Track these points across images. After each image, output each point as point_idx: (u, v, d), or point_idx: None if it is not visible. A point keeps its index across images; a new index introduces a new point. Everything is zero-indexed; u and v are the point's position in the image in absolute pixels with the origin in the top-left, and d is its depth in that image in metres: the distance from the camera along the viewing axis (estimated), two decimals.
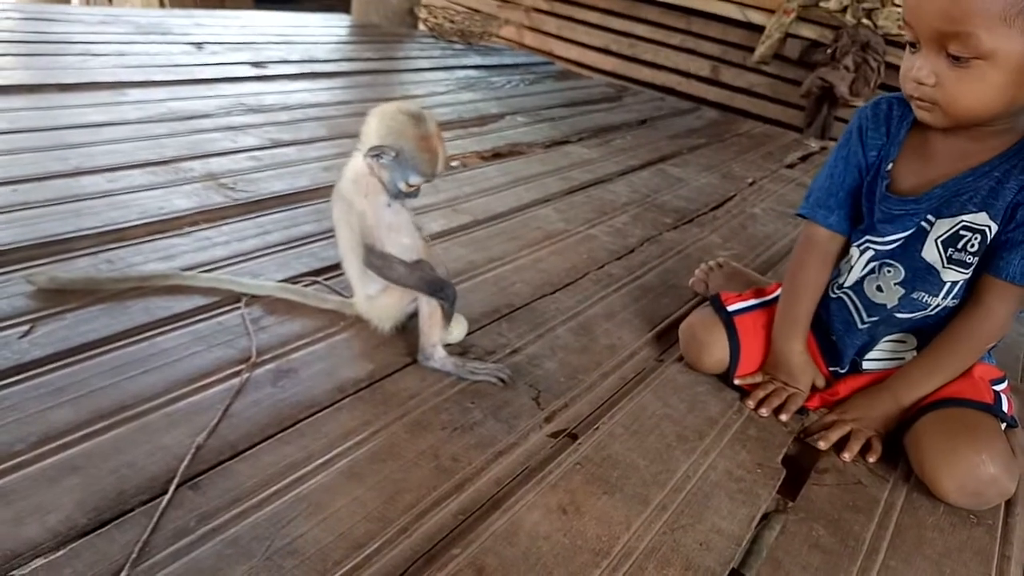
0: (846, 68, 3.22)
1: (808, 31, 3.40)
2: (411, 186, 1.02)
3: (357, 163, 1.04)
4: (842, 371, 1.15)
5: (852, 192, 1.08)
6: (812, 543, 0.89)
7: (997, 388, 1.04)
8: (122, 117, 1.87)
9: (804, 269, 1.13)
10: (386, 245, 1.06)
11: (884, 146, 1.04)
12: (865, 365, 1.13)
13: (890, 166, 1.03)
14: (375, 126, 1.01)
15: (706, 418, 1.08)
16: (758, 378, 1.16)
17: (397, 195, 1.04)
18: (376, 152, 1.00)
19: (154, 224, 1.36)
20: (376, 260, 1.05)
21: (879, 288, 1.07)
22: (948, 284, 1.02)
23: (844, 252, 1.12)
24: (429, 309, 1.08)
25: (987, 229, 0.97)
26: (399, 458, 0.90)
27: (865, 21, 3.23)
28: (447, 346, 1.11)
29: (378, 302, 1.11)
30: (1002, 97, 0.89)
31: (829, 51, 3.27)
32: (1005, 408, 1.02)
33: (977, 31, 0.84)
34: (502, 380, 1.07)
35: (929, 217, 1.01)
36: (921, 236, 1.02)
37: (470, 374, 1.07)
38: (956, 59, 0.87)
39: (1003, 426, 1.01)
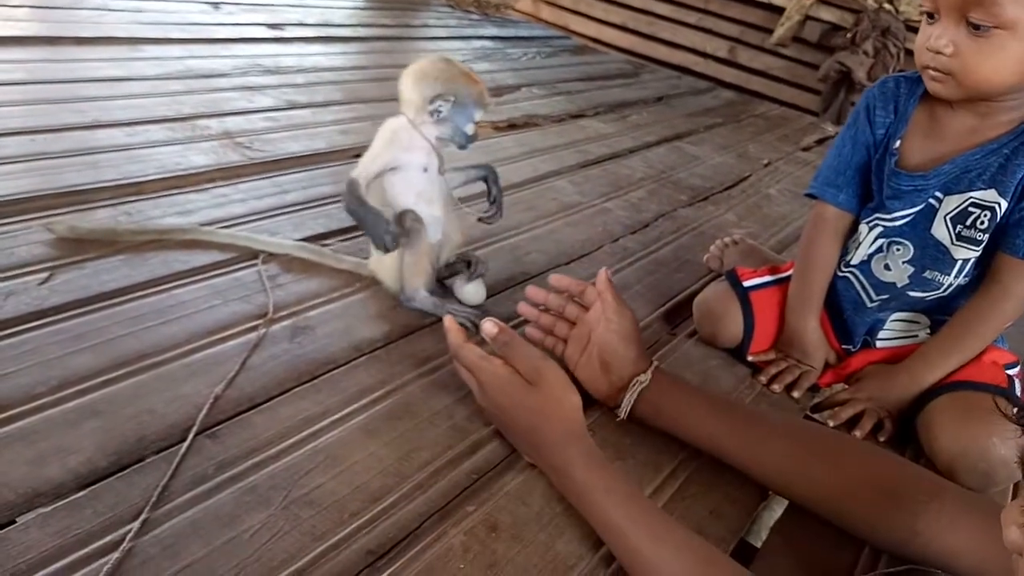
0: (865, 53, 3.18)
1: (828, 14, 3.35)
2: (478, 124, 1.05)
3: (397, 121, 1.06)
4: (854, 349, 1.15)
5: (860, 171, 1.09)
6: (822, 518, 0.89)
7: (1011, 372, 1.05)
8: (139, 73, 1.86)
9: (815, 248, 1.13)
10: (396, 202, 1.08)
11: (892, 124, 1.05)
12: (878, 344, 1.13)
13: (898, 143, 1.04)
14: (418, 84, 1.03)
15: (718, 392, 1.09)
16: (771, 355, 1.16)
17: (464, 143, 1.06)
18: (436, 106, 1.02)
19: (172, 179, 1.35)
20: (348, 187, 1.04)
21: (887, 267, 1.07)
22: (959, 262, 1.02)
23: (853, 230, 1.12)
24: (412, 259, 1.08)
25: (996, 206, 0.98)
26: (415, 417, 0.90)
27: (887, 6, 3.18)
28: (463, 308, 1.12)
29: (392, 264, 1.11)
30: (1019, 69, 0.90)
31: (849, 35, 3.22)
32: (1019, 392, 1.02)
33: None
34: (475, 325, 1.04)
35: (937, 194, 1.02)
36: (930, 213, 1.02)
37: (447, 313, 1.02)
38: (976, 28, 0.88)
39: (1015, 410, 1.01)
